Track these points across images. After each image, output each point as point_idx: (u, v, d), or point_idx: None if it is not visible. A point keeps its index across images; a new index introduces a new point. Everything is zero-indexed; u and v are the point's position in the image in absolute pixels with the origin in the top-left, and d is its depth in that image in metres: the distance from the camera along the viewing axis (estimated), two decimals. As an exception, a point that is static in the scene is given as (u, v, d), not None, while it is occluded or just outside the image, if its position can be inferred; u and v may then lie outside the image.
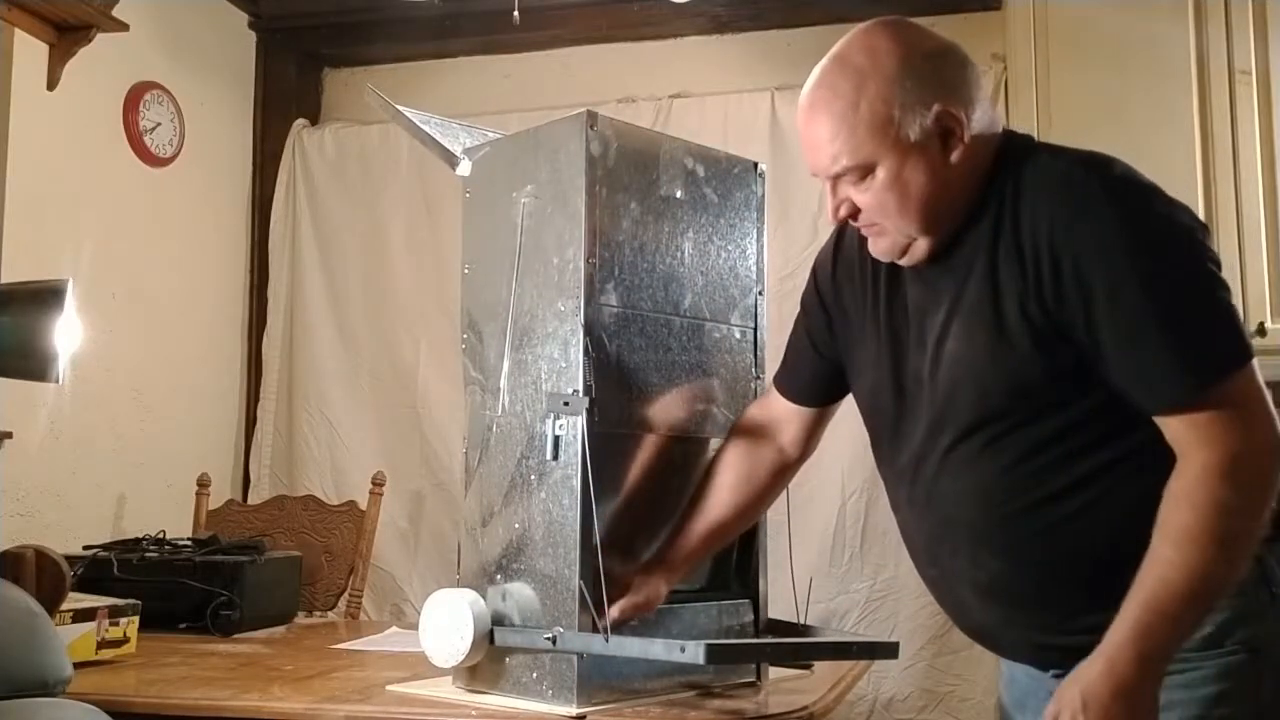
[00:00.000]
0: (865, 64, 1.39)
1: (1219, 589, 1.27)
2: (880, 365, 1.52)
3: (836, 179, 1.43)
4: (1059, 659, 1.42)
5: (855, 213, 1.44)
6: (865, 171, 1.40)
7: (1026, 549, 1.39)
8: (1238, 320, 1.35)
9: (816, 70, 1.44)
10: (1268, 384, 1.32)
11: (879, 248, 1.47)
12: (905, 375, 1.49)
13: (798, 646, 1.81)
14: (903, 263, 1.46)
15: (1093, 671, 1.29)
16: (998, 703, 1.63)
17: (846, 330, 1.61)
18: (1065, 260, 1.32)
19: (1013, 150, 1.42)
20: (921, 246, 1.43)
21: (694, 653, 1.47)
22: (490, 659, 1.67)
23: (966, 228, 1.41)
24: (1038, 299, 1.34)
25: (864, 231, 1.48)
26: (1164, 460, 1.31)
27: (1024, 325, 1.35)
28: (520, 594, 1.65)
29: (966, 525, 1.42)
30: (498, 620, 1.66)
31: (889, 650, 1.73)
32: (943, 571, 1.49)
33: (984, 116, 1.41)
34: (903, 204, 1.39)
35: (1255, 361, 1.31)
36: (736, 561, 1.82)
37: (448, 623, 1.66)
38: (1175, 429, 1.31)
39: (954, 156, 1.38)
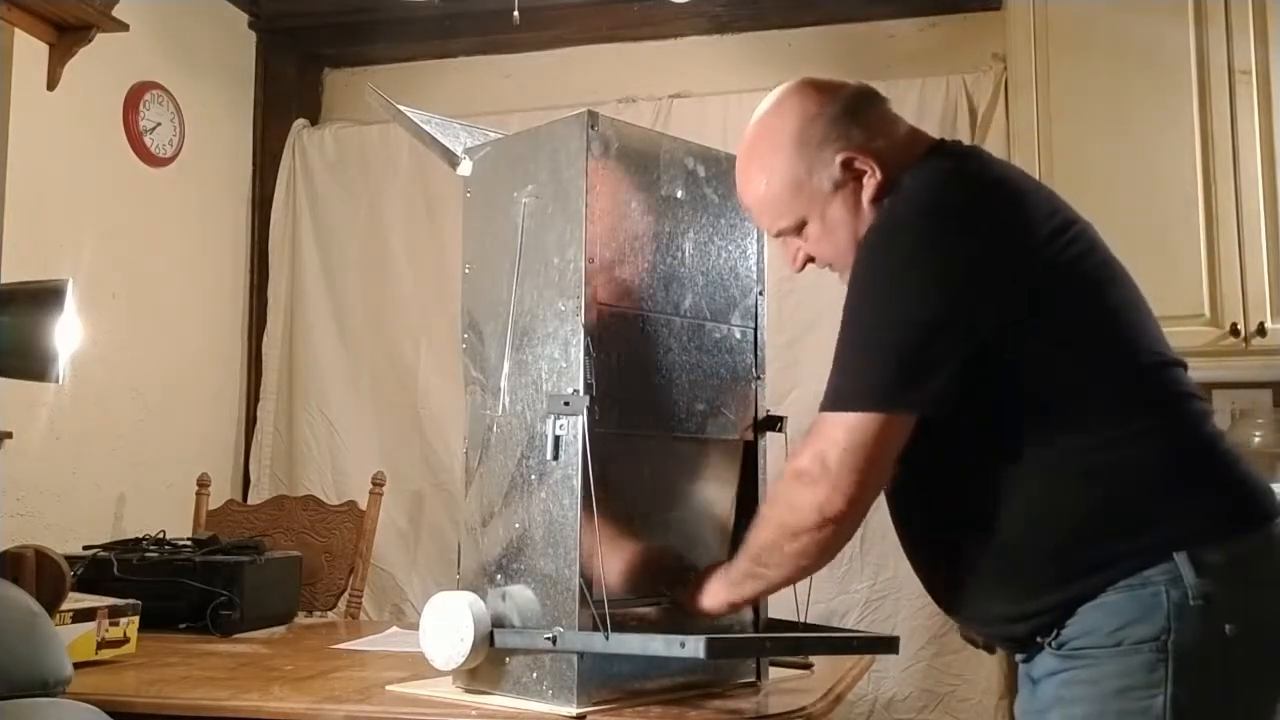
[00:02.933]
0: (768, 141, 1.56)
1: (761, 578, 1.55)
2: None
3: (782, 235, 1.59)
4: (1006, 645, 1.55)
5: (810, 258, 1.60)
6: (799, 227, 1.57)
7: (926, 550, 1.53)
8: (881, 364, 1.40)
9: (739, 150, 1.62)
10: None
11: (845, 281, 1.55)
12: None
13: (798, 640, 1.81)
14: None
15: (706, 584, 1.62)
16: None
17: None
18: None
19: (911, 170, 1.49)
20: None
21: (694, 647, 1.47)
22: (490, 659, 1.66)
23: None
24: None
25: (829, 270, 1.61)
26: (1047, 467, 1.39)
27: None
28: (520, 595, 1.65)
29: (897, 524, 1.57)
30: (498, 622, 1.66)
31: (889, 645, 1.74)
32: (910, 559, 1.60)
33: (894, 144, 1.53)
34: (838, 245, 1.54)
35: (879, 418, 1.38)
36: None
37: (448, 625, 1.66)
38: None
39: (867, 193, 1.51)
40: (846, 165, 1.50)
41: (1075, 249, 1.44)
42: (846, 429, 1.39)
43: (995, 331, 1.39)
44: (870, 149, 1.51)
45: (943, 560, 1.51)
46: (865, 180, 1.50)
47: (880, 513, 3.50)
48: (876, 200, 1.50)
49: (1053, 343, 1.40)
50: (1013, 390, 1.40)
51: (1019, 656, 1.51)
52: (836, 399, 1.42)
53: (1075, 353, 1.40)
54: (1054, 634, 1.39)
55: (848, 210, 1.52)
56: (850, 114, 1.54)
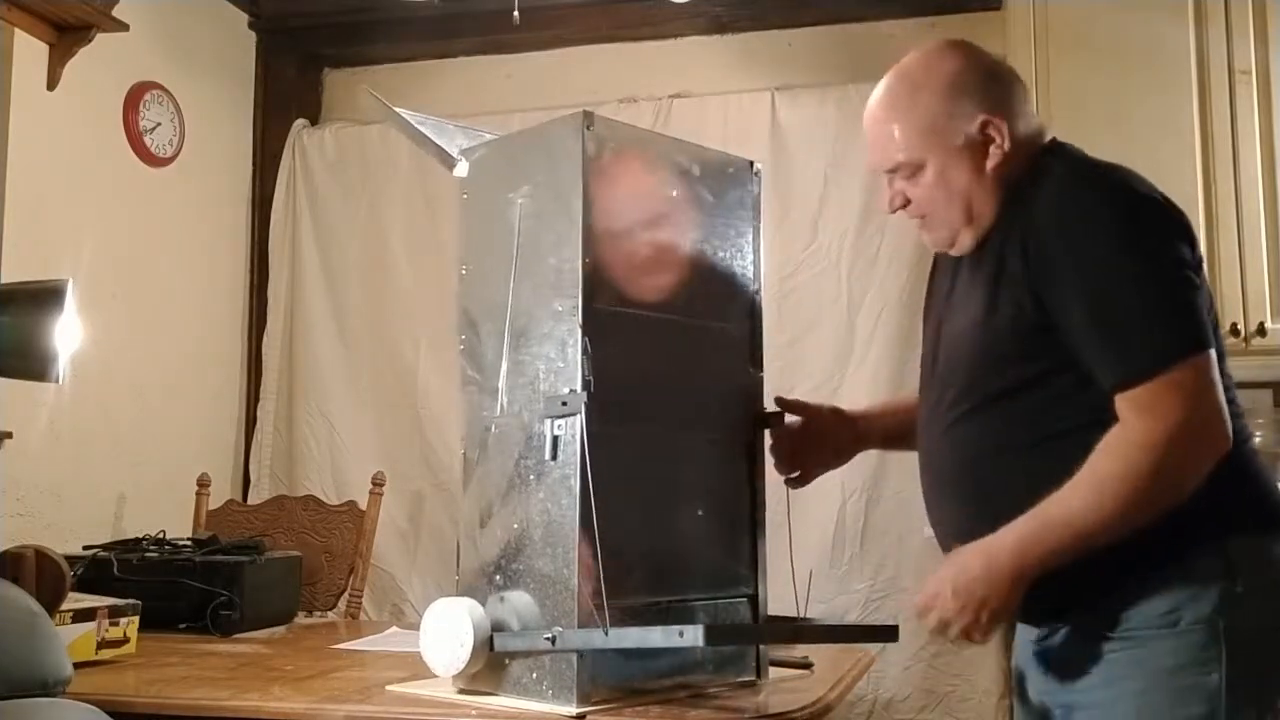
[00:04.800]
0: (922, 76, 1.60)
1: (1097, 532, 1.42)
2: (926, 341, 1.71)
3: (891, 173, 1.62)
4: (1038, 617, 1.55)
5: (906, 204, 1.62)
6: (916, 168, 1.59)
7: (989, 501, 1.51)
8: (1188, 313, 1.44)
9: (883, 80, 1.64)
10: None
11: (929, 238, 1.66)
12: (938, 349, 1.65)
13: (797, 629, 1.83)
14: (952, 252, 1.64)
15: (970, 557, 1.47)
16: (1013, 664, 1.70)
17: (926, 311, 1.78)
18: (1048, 248, 1.47)
19: (1046, 158, 1.56)
20: (965, 238, 1.59)
21: (693, 635, 1.48)
22: (490, 660, 1.66)
23: (996, 224, 1.56)
24: (1029, 286, 1.48)
25: (916, 223, 1.65)
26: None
27: (1012, 310, 1.50)
28: (519, 599, 1.65)
29: (948, 480, 1.60)
30: (497, 626, 1.65)
31: (889, 633, 1.74)
32: (936, 526, 1.64)
33: (1027, 128, 1.58)
34: (948, 199, 1.58)
35: (1206, 353, 1.42)
36: (736, 560, 1.82)
37: (447, 631, 1.66)
38: (1117, 405, 1.44)
39: (992, 161, 1.55)
40: (984, 126, 1.55)
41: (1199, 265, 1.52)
42: (1197, 373, 1.41)
43: None
44: (1008, 118, 1.56)
45: (991, 515, 1.49)
46: (993, 149, 1.55)
47: (880, 512, 3.47)
48: (999, 170, 1.54)
49: None
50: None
51: (1037, 633, 1.55)
52: (1166, 351, 1.41)
53: None
54: (1096, 609, 1.45)
55: (968, 170, 1.56)
56: (1001, 83, 1.60)
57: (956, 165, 1.56)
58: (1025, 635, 1.62)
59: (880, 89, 1.64)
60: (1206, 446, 1.41)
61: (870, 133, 1.65)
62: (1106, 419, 1.43)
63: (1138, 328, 1.43)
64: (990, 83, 1.59)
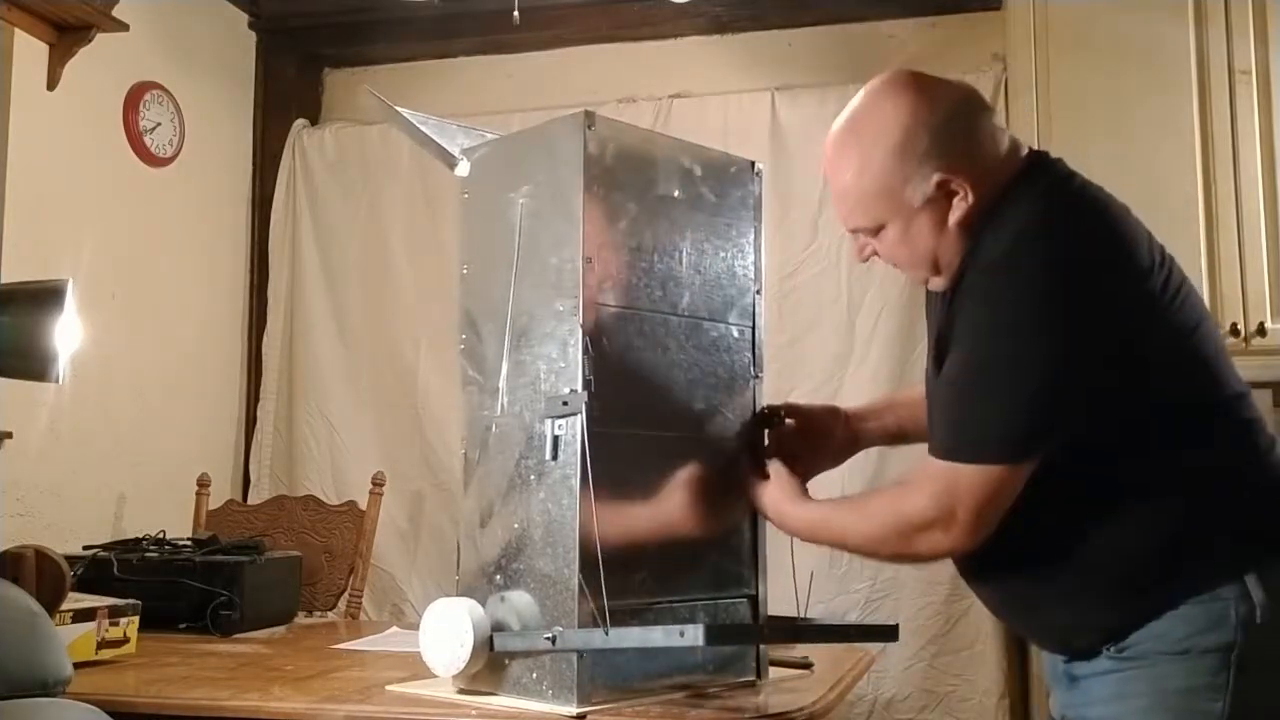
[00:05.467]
0: (873, 134, 1.51)
1: (829, 543, 1.67)
2: (929, 350, 1.65)
3: (855, 231, 1.59)
4: (1059, 645, 1.55)
5: (876, 253, 1.59)
6: (876, 229, 1.55)
7: (995, 557, 1.50)
8: (1023, 421, 1.41)
9: (834, 129, 1.56)
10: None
11: (910, 278, 1.61)
12: (929, 384, 1.62)
13: (797, 629, 1.82)
14: (930, 289, 1.61)
15: (772, 512, 1.69)
16: (1046, 681, 1.71)
17: (927, 316, 1.74)
18: (965, 306, 1.47)
19: (1018, 187, 1.50)
20: (938, 282, 1.56)
21: (694, 635, 1.48)
22: (491, 661, 1.66)
23: (968, 261, 1.51)
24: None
25: (895, 268, 1.61)
26: (1133, 492, 1.43)
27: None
28: (519, 600, 1.65)
29: None
30: (497, 626, 1.65)
31: (888, 633, 1.74)
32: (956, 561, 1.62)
33: (994, 158, 1.51)
34: (912, 256, 1.55)
35: (1006, 466, 1.41)
36: (736, 561, 1.82)
37: (448, 631, 1.66)
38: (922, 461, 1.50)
39: (955, 216, 1.49)
40: (941, 185, 1.48)
41: (1175, 293, 1.48)
42: (982, 482, 1.41)
43: (1108, 375, 1.41)
44: (968, 169, 1.48)
45: (1010, 569, 1.51)
46: (956, 202, 1.49)
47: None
48: (964, 224, 1.49)
49: (1149, 380, 1.44)
50: (1108, 421, 1.42)
51: (1063, 656, 1.54)
52: (967, 448, 1.43)
53: (1168, 389, 1.45)
54: (1118, 643, 1.45)
55: (932, 227, 1.50)
56: (955, 127, 1.50)
57: (917, 224, 1.50)
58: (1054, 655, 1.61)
59: (833, 144, 1.56)
60: (941, 544, 1.45)
61: (832, 188, 1.59)
62: (1097, 448, 1.43)
63: (969, 410, 1.44)
64: (946, 128, 1.49)
